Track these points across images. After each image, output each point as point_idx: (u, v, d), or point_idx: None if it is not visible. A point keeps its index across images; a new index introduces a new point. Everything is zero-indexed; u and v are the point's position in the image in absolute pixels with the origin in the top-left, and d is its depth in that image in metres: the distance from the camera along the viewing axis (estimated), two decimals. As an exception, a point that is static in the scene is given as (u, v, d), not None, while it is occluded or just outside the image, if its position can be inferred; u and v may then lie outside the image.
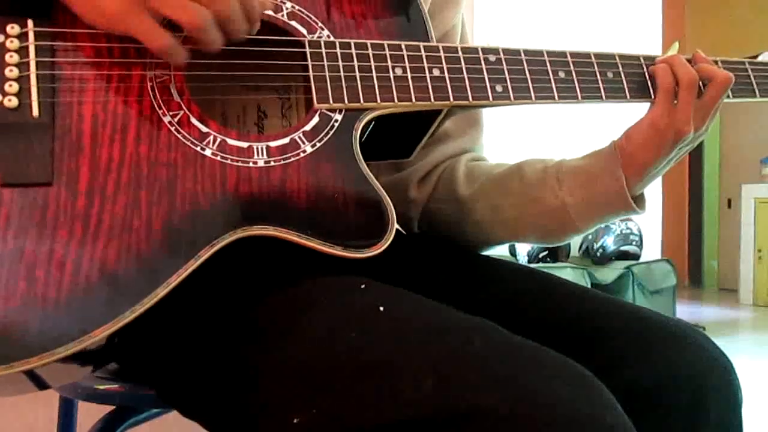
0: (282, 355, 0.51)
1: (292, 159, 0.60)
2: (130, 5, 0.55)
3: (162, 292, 0.52)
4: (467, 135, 0.90)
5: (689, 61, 0.76)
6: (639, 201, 0.77)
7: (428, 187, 0.88)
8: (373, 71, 0.65)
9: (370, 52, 0.66)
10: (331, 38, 0.66)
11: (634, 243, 3.46)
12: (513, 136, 2.94)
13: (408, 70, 0.67)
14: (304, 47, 0.64)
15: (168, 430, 1.02)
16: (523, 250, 3.26)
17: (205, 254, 0.54)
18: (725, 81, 0.74)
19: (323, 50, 0.64)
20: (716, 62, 0.79)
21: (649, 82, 0.76)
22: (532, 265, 2.37)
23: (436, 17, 0.84)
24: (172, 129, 0.58)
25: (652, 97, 0.75)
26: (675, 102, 0.73)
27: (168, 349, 0.61)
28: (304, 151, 0.61)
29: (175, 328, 0.60)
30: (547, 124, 3.25)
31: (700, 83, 0.74)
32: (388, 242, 0.59)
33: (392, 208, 0.61)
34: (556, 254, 3.30)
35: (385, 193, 0.61)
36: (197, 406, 0.60)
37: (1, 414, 1.33)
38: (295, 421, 0.47)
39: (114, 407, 0.79)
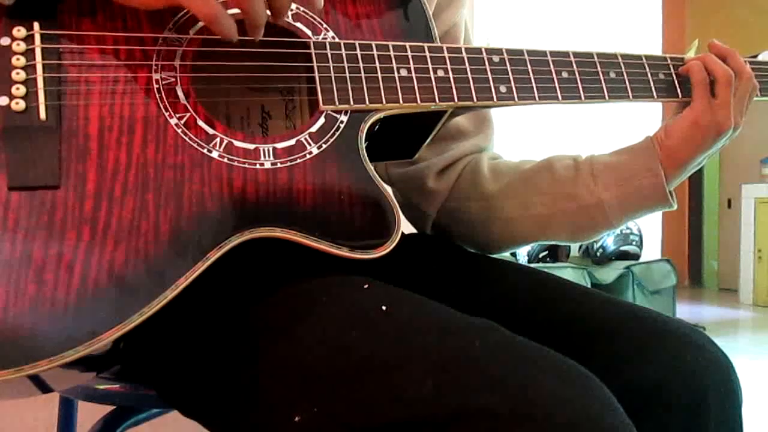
0: (283, 354, 0.51)
1: (299, 160, 0.60)
2: None
3: (170, 294, 0.52)
4: (482, 133, 0.91)
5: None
6: (671, 195, 0.78)
7: (448, 181, 0.88)
8: (378, 72, 0.65)
9: (375, 53, 0.66)
10: (336, 39, 0.66)
11: (634, 243, 3.46)
12: (515, 136, 2.94)
13: (413, 71, 0.67)
14: (309, 48, 0.64)
15: (168, 430, 1.03)
16: (523, 250, 3.26)
17: (213, 256, 0.54)
18: (750, 73, 0.77)
19: (328, 51, 0.65)
20: None
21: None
22: (532, 265, 2.37)
23: (440, 16, 0.84)
24: (179, 131, 0.58)
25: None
26: (714, 98, 0.75)
27: (169, 349, 0.62)
28: (311, 153, 0.61)
29: (176, 327, 0.60)
30: (549, 124, 3.25)
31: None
32: (395, 243, 0.59)
33: (398, 208, 0.61)
34: (556, 254, 3.30)
35: (391, 194, 0.61)
36: (198, 406, 0.60)
37: (1, 414, 1.33)
38: (296, 419, 0.48)
39: (114, 407, 0.79)
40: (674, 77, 0.78)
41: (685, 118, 0.75)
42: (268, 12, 0.60)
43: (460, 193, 0.87)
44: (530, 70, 0.72)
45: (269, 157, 0.60)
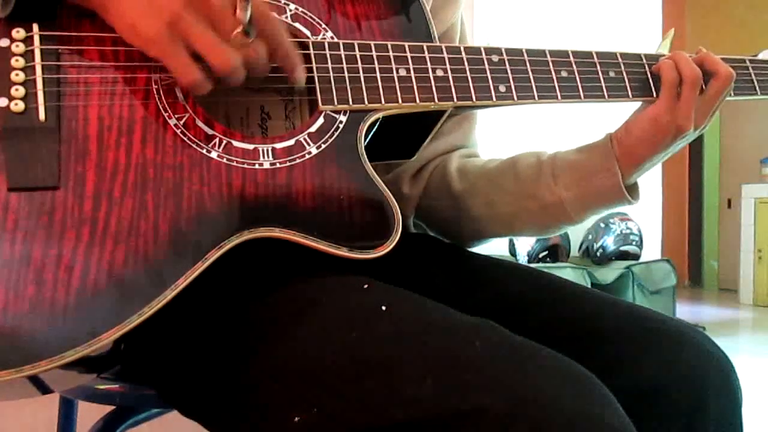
0: (283, 355, 0.52)
1: (298, 161, 0.60)
2: (166, 32, 0.55)
3: (170, 294, 0.52)
4: (459, 131, 0.91)
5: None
6: (633, 191, 0.77)
7: (421, 183, 0.88)
8: (377, 72, 0.65)
9: (374, 53, 0.66)
10: (335, 40, 0.66)
11: (634, 243, 3.46)
12: (510, 132, 2.94)
13: (412, 70, 0.67)
14: (308, 49, 0.64)
15: (168, 430, 1.02)
16: (523, 250, 3.26)
17: (212, 256, 0.54)
18: (728, 77, 0.74)
19: (327, 52, 0.65)
20: None
21: (651, 81, 0.76)
22: (532, 265, 2.37)
23: (436, 16, 0.84)
24: (178, 132, 0.58)
25: (654, 95, 0.75)
26: (677, 98, 0.73)
27: (169, 349, 0.62)
28: (310, 153, 0.61)
29: (176, 327, 0.60)
30: (545, 121, 3.25)
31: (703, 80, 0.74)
32: (395, 243, 0.59)
33: (398, 208, 0.61)
34: (556, 254, 3.30)
35: (390, 194, 0.61)
36: (198, 406, 0.60)
37: (1, 414, 1.33)
38: (296, 420, 0.48)
39: (114, 407, 0.79)
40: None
41: (646, 116, 0.74)
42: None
43: (431, 194, 0.88)
44: (529, 70, 0.71)
45: (268, 157, 0.60)
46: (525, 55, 0.72)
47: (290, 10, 0.67)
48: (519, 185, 0.80)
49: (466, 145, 0.92)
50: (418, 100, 0.66)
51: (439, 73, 0.68)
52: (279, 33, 0.60)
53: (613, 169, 0.75)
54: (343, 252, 0.58)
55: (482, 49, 0.71)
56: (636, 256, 3.47)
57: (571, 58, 0.73)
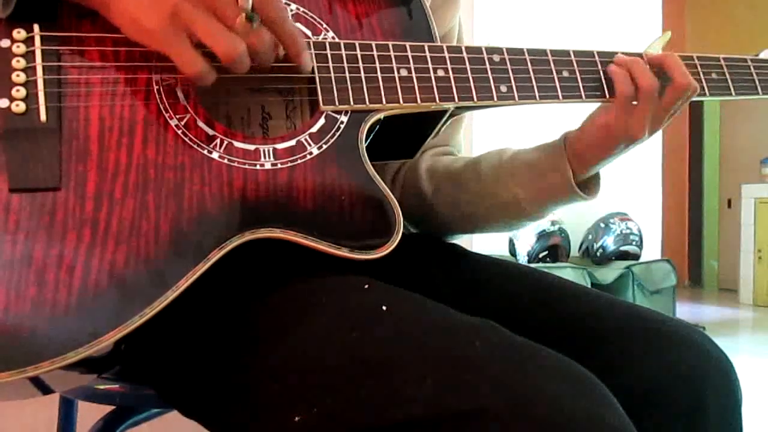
0: (283, 355, 0.52)
1: (299, 161, 0.60)
2: (169, 25, 0.55)
3: (171, 295, 0.52)
4: (443, 133, 0.91)
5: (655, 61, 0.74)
6: (590, 185, 0.78)
7: (398, 183, 0.90)
8: (378, 72, 0.65)
9: (375, 53, 0.66)
10: (336, 40, 0.66)
11: (634, 243, 3.46)
12: (507, 130, 2.94)
13: (413, 71, 0.67)
14: (309, 49, 0.64)
15: (168, 430, 1.03)
16: (523, 250, 3.26)
17: (214, 257, 0.54)
18: (682, 87, 0.72)
19: (328, 52, 0.65)
20: (718, 59, 0.79)
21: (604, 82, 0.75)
22: (532, 265, 2.37)
23: (434, 15, 0.84)
24: (179, 132, 0.58)
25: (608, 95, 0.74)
26: (632, 108, 0.72)
27: (169, 349, 0.62)
28: (311, 153, 0.61)
29: (177, 327, 0.60)
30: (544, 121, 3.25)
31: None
32: (395, 243, 0.59)
33: (399, 208, 0.61)
34: (556, 254, 3.30)
35: (391, 194, 0.61)
36: (198, 406, 0.60)
37: (1, 414, 1.33)
38: (296, 419, 0.48)
39: (114, 407, 0.79)
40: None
41: (599, 123, 0.74)
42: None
43: (403, 192, 0.89)
44: (531, 70, 0.71)
45: (269, 157, 0.60)
46: (526, 54, 0.72)
47: (291, 10, 0.67)
48: (481, 185, 0.81)
49: (449, 144, 0.92)
50: (419, 100, 0.66)
51: (441, 73, 0.68)
52: (283, 19, 0.60)
53: (564, 169, 0.76)
54: (344, 252, 0.58)
55: (483, 49, 0.71)
56: (636, 256, 3.47)
57: (573, 58, 0.73)
